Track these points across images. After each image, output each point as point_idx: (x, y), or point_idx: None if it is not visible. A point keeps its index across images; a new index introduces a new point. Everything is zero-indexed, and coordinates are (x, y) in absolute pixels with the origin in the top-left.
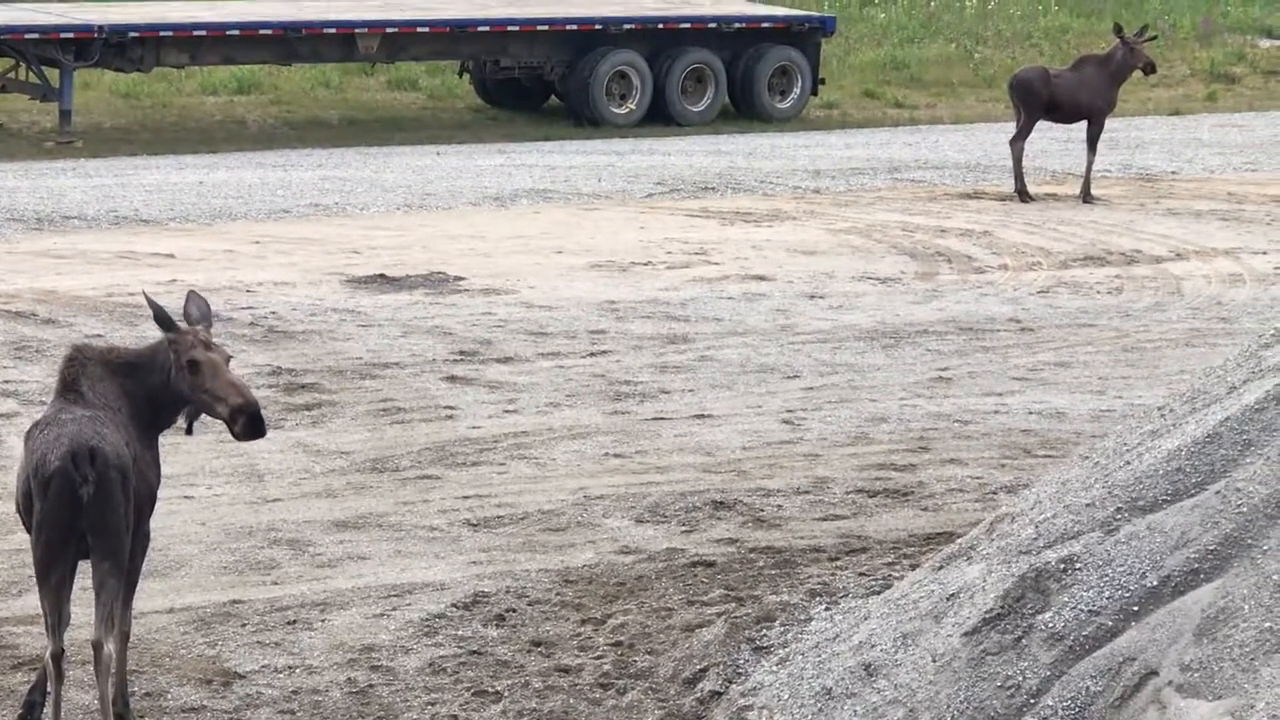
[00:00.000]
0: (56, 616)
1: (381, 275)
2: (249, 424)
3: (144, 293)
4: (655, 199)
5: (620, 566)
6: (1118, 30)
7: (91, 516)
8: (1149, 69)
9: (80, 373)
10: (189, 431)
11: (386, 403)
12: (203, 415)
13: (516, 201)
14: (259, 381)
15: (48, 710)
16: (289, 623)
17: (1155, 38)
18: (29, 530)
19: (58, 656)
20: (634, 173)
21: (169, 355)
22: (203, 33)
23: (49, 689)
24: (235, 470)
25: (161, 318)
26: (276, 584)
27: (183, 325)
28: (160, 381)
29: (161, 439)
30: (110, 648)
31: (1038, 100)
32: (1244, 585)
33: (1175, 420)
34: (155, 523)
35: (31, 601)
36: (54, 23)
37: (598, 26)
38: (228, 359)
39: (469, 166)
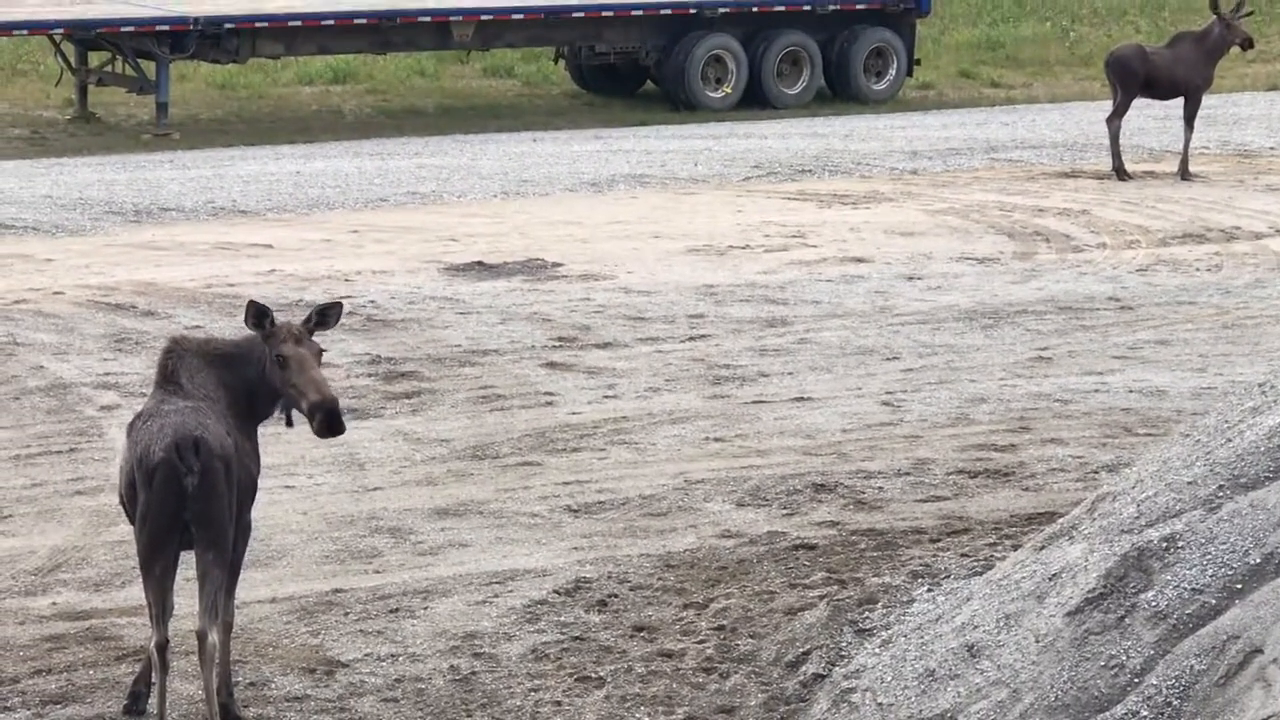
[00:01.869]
0: (161, 607)
1: (479, 263)
2: (326, 420)
3: (249, 302)
4: (752, 182)
5: (721, 550)
6: (1214, 6)
7: (195, 507)
8: (1246, 45)
9: (178, 364)
10: (288, 424)
11: (486, 390)
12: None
13: (613, 187)
14: (358, 370)
15: (153, 700)
16: (391, 611)
17: (1252, 13)
18: (132, 521)
19: (162, 647)
20: (730, 156)
21: (264, 348)
22: (298, 23)
23: (154, 679)
24: (336, 459)
25: (255, 313)
26: (378, 572)
27: (278, 320)
28: (256, 374)
29: (262, 429)
30: (214, 637)
31: (1134, 78)
32: None
33: (1277, 397)
34: (256, 513)
35: (135, 593)
36: (150, 15)
37: (692, 10)
38: (318, 354)
39: (565, 153)
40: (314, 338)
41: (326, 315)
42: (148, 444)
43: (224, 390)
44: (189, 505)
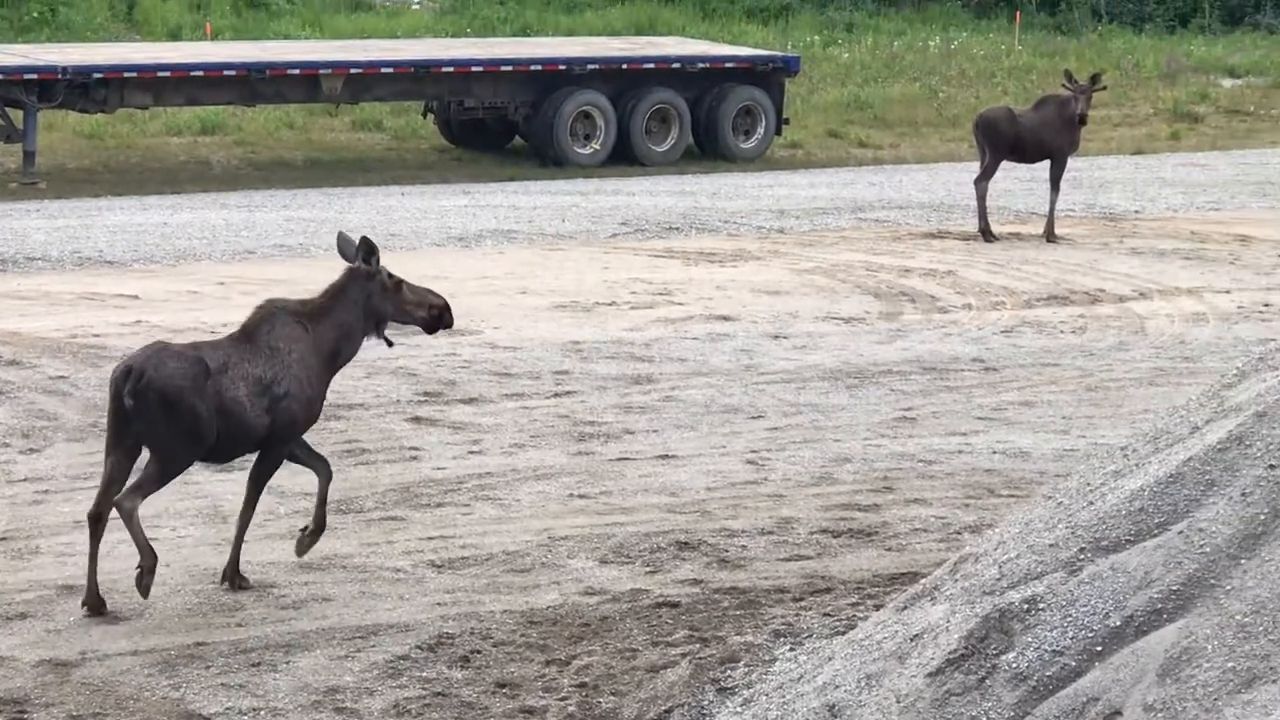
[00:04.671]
0: (104, 485)
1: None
2: (450, 315)
3: (362, 237)
4: (619, 239)
5: (585, 607)
6: (1068, 77)
7: (135, 425)
8: (1081, 120)
9: (261, 320)
10: (389, 344)
11: (351, 444)
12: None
13: (481, 242)
14: None
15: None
16: (253, 665)
17: (1105, 88)
18: None
19: (93, 518)
20: (598, 213)
21: (365, 286)
22: (166, 74)
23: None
24: (200, 512)
25: (367, 249)
26: (241, 626)
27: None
28: (355, 314)
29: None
30: (129, 505)
31: (1003, 140)
32: (1207, 625)
33: (1138, 460)
34: (117, 564)
35: None
36: (17, 64)
37: (562, 67)
38: None
39: (433, 207)
40: None
41: (372, 249)
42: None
43: (302, 342)
44: (131, 421)
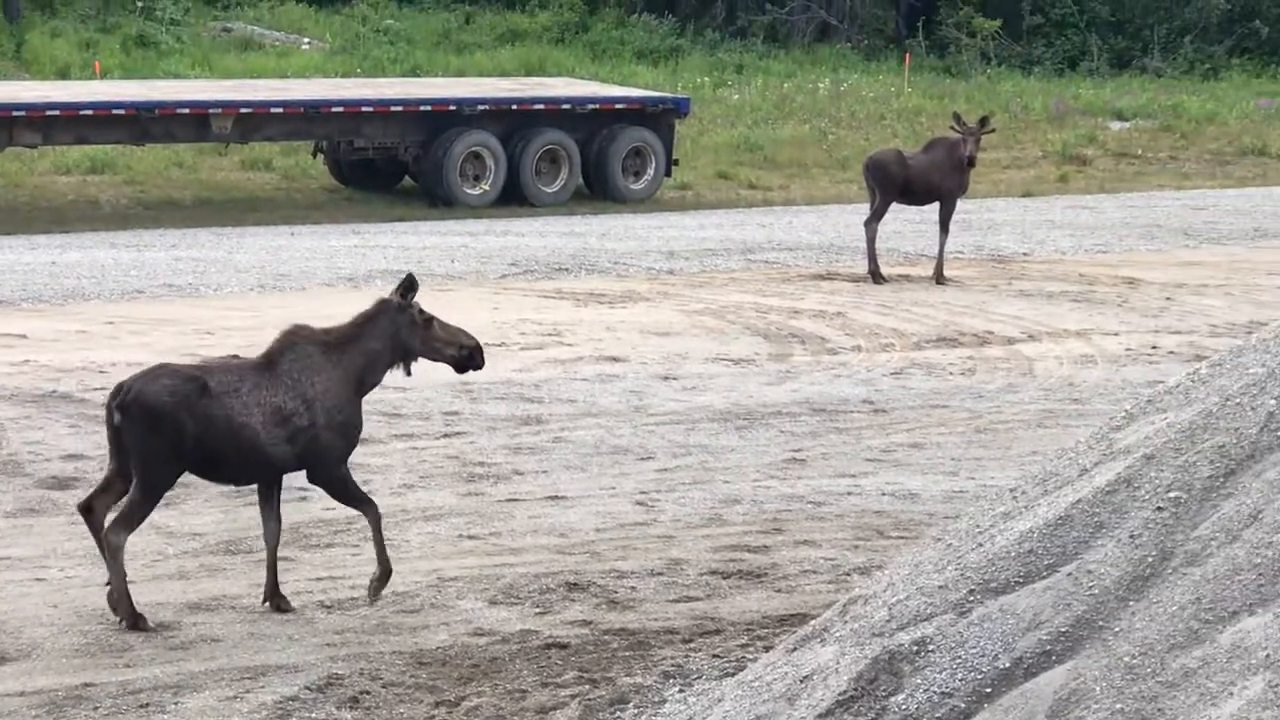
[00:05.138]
0: (100, 484)
1: (235, 356)
2: (483, 355)
3: (408, 274)
4: (509, 280)
5: (474, 648)
6: (957, 119)
7: (123, 440)
8: (969, 162)
9: (285, 348)
10: (407, 373)
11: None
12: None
13: (370, 282)
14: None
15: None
16: (142, 705)
17: (994, 130)
18: None
19: (82, 509)
20: (488, 253)
21: (395, 319)
22: (56, 112)
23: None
24: (88, 552)
25: (408, 284)
26: (129, 666)
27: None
28: (383, 344)
29: (16, 522)
30: (117, 540)
31: (893, 182)
32: (1095, 667)
33: (1027, 502)
34: (4, 606)
35: None
36: None
37: (452, 107)
38: None
39: (323, 247)
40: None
41: (412, 285)
42: None
43: (324, 371)
44: (120, 437)
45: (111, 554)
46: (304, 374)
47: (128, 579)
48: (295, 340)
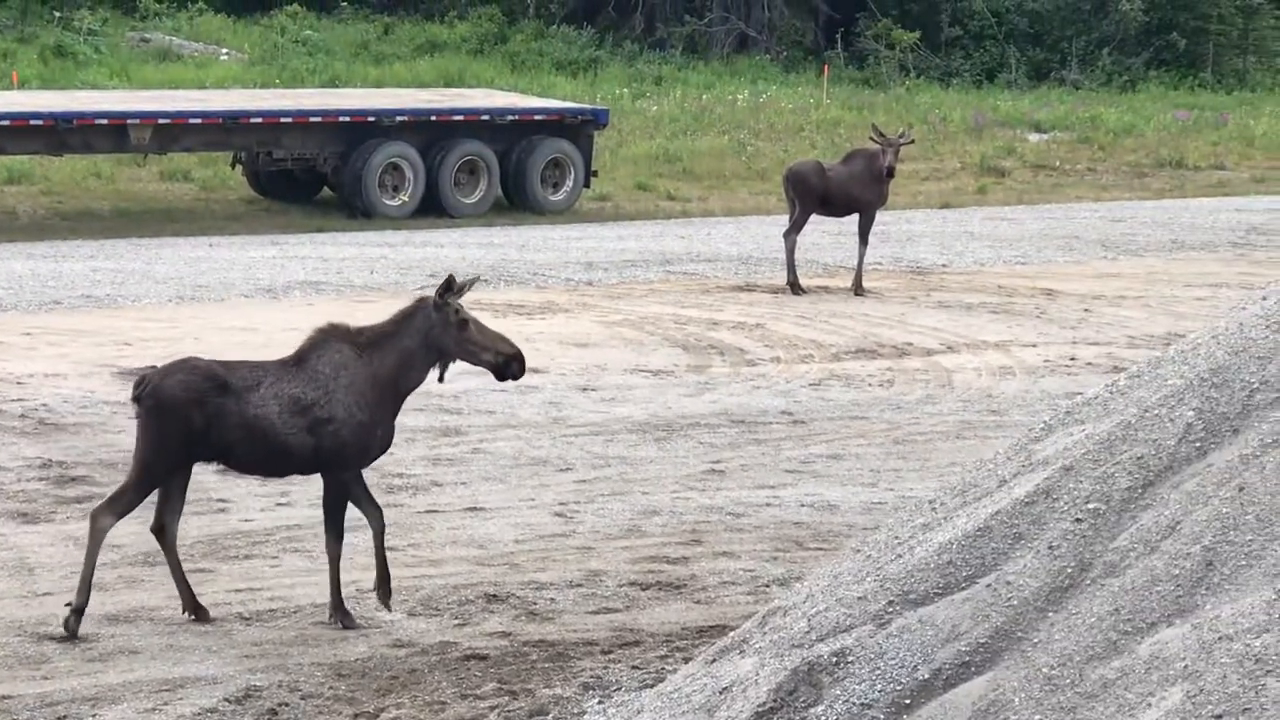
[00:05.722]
0: (160, 497)
1: (153, 367)
2: (521, 364)
3: (449, 275)
4: (428, 291)
5: (393, 660)
6: (875, 131)
7: (138, 428)
8: (889, 173)
9: (316, 345)
10: (440, 380)
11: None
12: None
13: (289, 293)
14: (29, 475)
15: None
16: (59, 718)
17: (913, 141)
18: None
19: (155, 530)
20: (407, 264)
21: (430, 317)
22: None
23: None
24: (5, 564)
25: (448, 283)
26: (47, 679)
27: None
28: (417, 343)
29: None
30: (104, 523)
31: (812, 193)
32: (1014, 678)
33: (946, 513)
34: None
35: None
36: None
37: (370, 118)
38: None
39: (241, 258)
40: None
41: (465, 287)
42: None
43: (355, 369)
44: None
45: (93, 535)
46: (330, 368)
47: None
48: (327, 337)
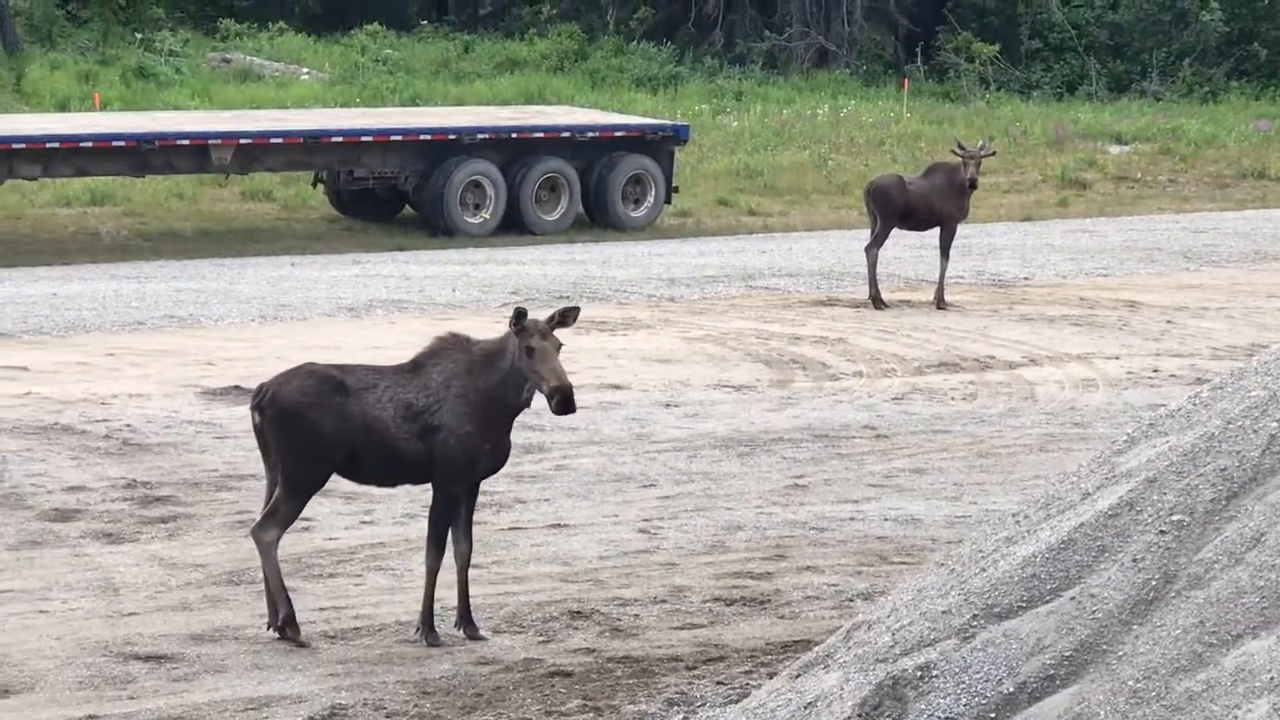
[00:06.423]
0: (267, 494)
1: (236, 387)
2: (562, 402)
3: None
4: (509, 308)
5: (478, 677)
6: (957, 144)
7: (263, 439)
8: (971, 185)
9: (433, 353)
10: (527, 404)
11: (242, 514)
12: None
13: (371, 312)
14: (113, 495)
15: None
16: None
17: (994, 153)
18: None
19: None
20: (488, 282)
21: (514, 340)
22: (56, 144)
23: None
24: (90, 584)
25: (516, 314)
26: (133, 699)
27: (529, 318)
28: (510, 364)
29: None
30: (267, 537)
31: (894, 207)
32: (1099, 691)
33: (1030, 526)
34: (6, 638)
35: None
36: None
37: (451, 136)
38: (558, 347)
39: (323, 277)
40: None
41: (567, 316)
42: None
43: (465, 380)
44: (262, 435)
45: (263, 552)
46: (442, 377)
47: (280, 582)
48: (444, 346)
